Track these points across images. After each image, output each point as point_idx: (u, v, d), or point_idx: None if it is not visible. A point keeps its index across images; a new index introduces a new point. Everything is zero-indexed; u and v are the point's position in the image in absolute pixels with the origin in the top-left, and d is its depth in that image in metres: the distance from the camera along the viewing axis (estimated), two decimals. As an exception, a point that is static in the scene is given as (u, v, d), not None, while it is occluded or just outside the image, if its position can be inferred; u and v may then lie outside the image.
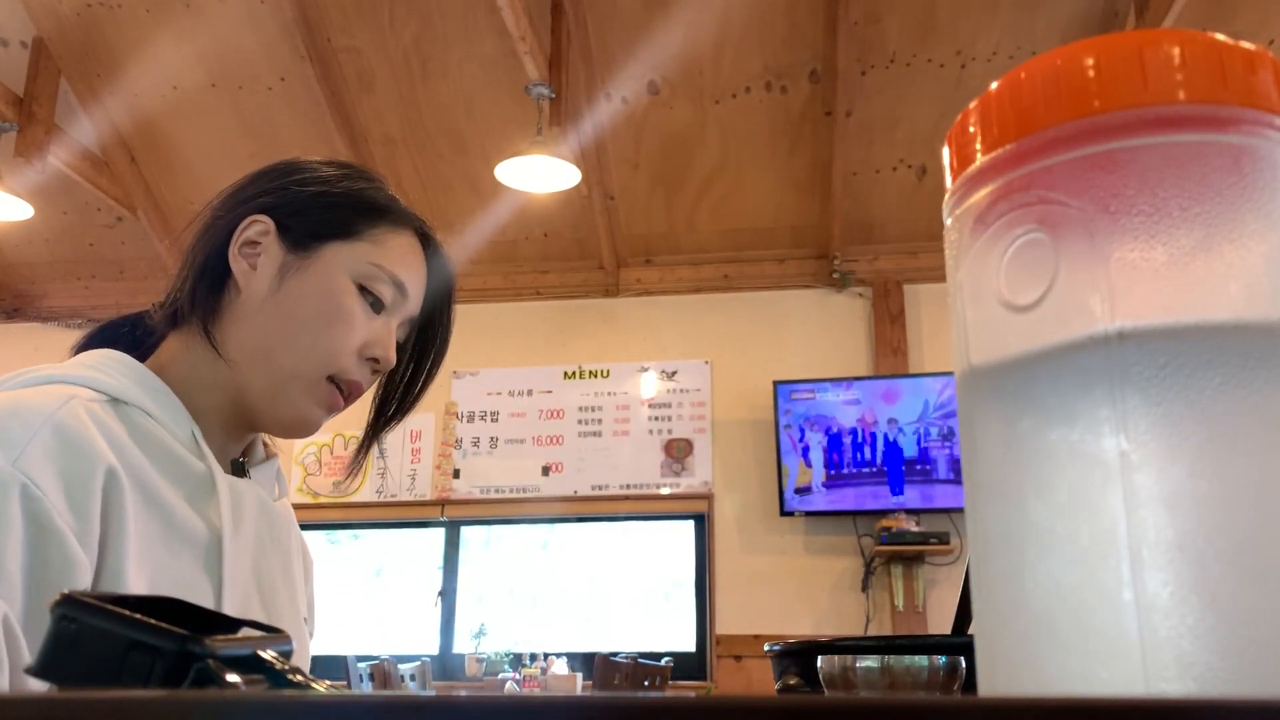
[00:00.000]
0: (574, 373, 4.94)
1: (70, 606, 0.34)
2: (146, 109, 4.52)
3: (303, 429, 0.92)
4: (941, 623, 4.32)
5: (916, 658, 0.60)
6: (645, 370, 4.89)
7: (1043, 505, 0.30)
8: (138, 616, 0.34)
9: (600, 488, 4.76)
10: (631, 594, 4.74)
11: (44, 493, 0.72)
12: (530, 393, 4.94)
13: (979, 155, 0.34)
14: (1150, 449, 0.29)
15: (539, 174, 3.86)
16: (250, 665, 0.36)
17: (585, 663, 4.35)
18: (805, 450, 4.44)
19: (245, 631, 0.39)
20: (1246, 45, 0.32)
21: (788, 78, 4.21)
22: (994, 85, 0.34)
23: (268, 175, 0.94)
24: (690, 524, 4.70)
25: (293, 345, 0.88)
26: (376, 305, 0.92)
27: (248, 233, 0.90)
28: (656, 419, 4.81)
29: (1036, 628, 0.30)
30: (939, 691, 0.59)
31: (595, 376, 4.92)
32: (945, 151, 0.36)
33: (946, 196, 0.36)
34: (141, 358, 0.91)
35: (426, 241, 0.97)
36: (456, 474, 4.88)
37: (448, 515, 4.86)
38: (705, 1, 3.90)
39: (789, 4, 3.95)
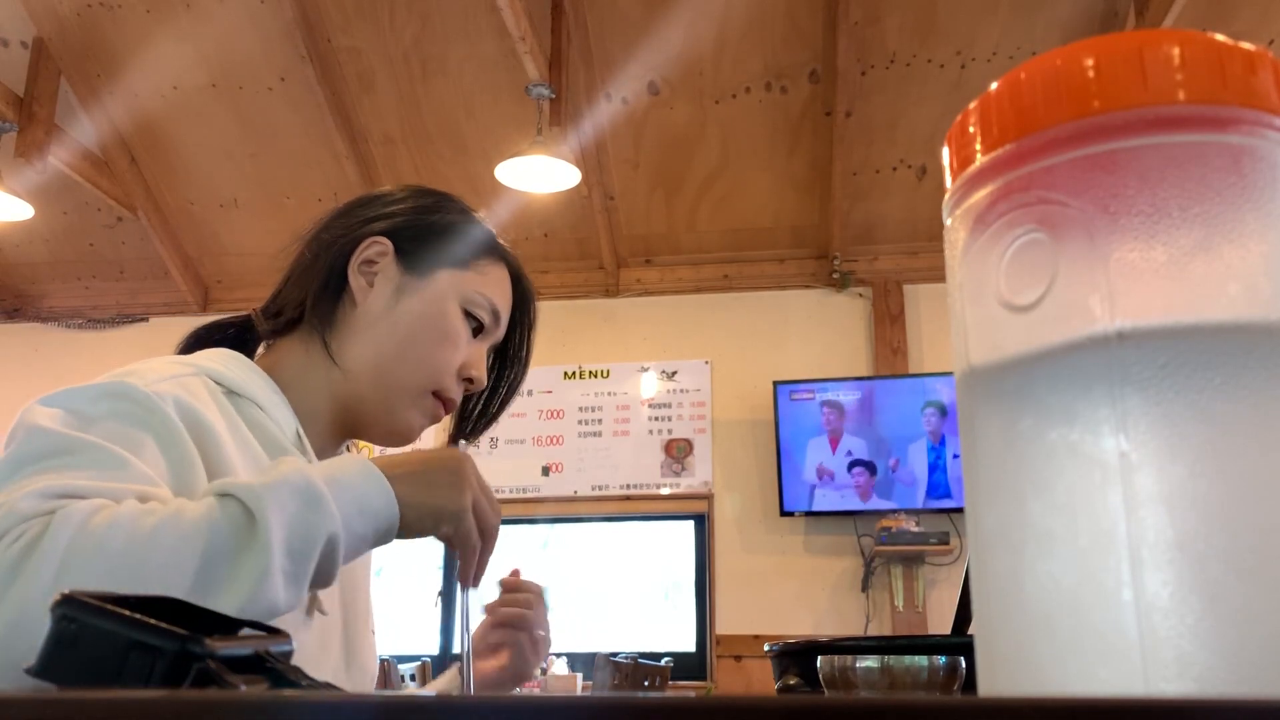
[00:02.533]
0: (574, 373, 4.93)
1: (70, 606, 0.34)
2: (146, 109, 4.51)
3: (407, 438, 0.99)
4: (941, 623, 4.32)
5: (916, 658, 0.60)
6: (645, 370, 4.88)
7: (1043, 505, 0.30)
8: (138, 616, 0.34)
9: (600, 488, 4.76)
10: (631, 594, 4.73)
11: (171, 416, 0.79)
12: (530, 393, 4.94)
13: (979, 155, 0.34)
14: (1150, 449, 0.29)
15: (539, 174, 3.86)
16: (250, 665, 0.36)
17: (585, 663, 4.35)
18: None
19: (245, 631, 0.39)
20: (1246, 45, 0.32)
21: (788, 78, 4.21)
22: (994, 85, 0.34)
23: (381, 200, 1.02)
24: (690, 524, 4.70)
25: (405, 359, 0.96)
26: (476, 330, 1.00)
27: (367, 253, 0.97)
28: (656, 419, 4.81)
29: (1036, 628, 0.30)
30: (939, 691, 0.59)
31: (595, 376, 4.92)
32: (945, 151, 0.36)
33: (946, 196, 0.36)
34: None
35: (516, 276, 1.06)
36: (456, 474, 4.88)
37: (448, 515, 4.85)
38: (705, 2, 3.90)
39: (789, 4, 3.95)
